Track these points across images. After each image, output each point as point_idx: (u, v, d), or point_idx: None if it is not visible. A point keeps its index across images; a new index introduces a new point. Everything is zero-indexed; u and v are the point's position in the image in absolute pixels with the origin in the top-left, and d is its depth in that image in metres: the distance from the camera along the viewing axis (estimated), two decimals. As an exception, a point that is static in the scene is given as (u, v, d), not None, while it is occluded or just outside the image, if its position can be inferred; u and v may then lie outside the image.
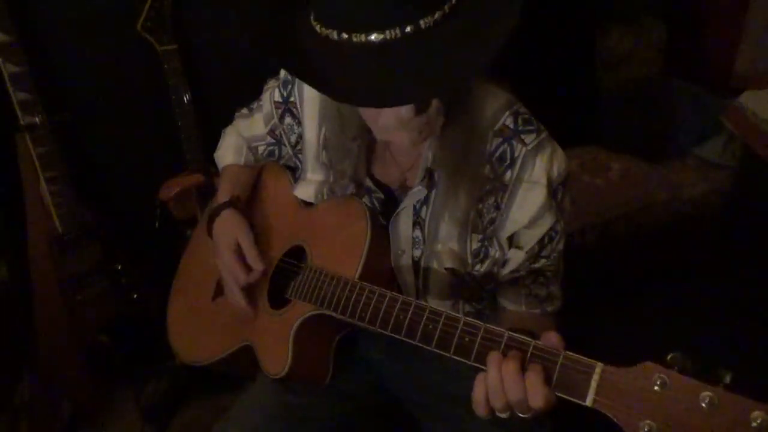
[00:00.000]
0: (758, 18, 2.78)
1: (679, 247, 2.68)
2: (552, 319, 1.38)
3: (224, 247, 1.44)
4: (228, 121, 1.65)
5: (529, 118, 1.27)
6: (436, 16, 1.01)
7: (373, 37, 1.00)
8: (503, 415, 1.02)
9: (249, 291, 1.44)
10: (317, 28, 1.06)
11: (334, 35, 1.03)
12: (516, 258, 1.32)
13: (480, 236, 1.31)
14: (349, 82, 1.05)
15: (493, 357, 1.01)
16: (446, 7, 1.02)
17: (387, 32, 0.99)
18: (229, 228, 1.46)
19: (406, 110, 1.09)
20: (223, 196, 1.54)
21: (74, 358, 2.27)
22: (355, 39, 1.01)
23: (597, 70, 2.84)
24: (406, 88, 1.02)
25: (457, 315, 1.08)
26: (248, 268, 1.42)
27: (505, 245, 1.31)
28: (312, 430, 1.48)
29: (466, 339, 1.05)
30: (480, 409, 1.03)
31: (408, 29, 1.00)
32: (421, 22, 1.00)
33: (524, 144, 1.24)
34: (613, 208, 2.63)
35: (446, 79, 1.03)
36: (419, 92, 1.05)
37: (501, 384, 0.99)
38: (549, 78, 2.62)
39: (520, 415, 1.01)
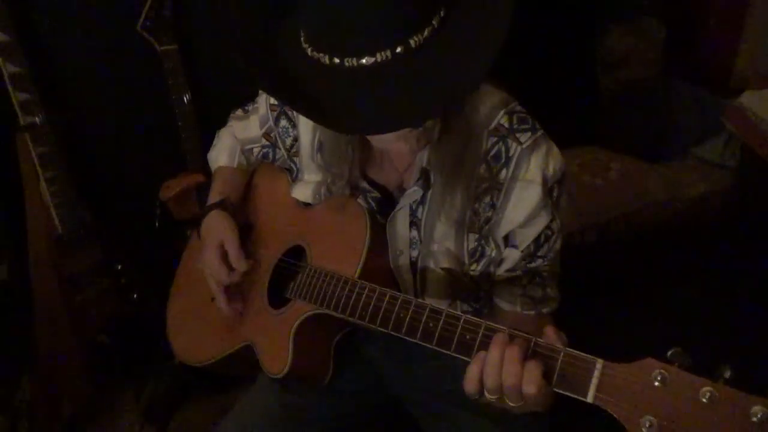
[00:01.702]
0: (758, 18, 2.77)
1: (679, 247, 2.68)
2: (547, 320, 1.37)
3: (209, 246, 1.45)
4: (227, 121, 1.65)
5: (524, 117, 1.26)
6: (426, 33, 1.00)
7: (364, 60, 0.99)
8: (491, 398, 1.02)
9: (244, 287, 1.45)
10: (308, 51, 1.05)
11: (326, 59, 1.02)
12: (512, 257, 1.31)
13: (476, 235, 1.31)
14: (344, 109, 1.04)
15: (500, 337, 1.01)
16: (434, 22, 1.01)
17: (378, 55, 0.99)
18: (215, 228, 1.47)
19: None
20: (213, 197, 1.54)
21: (74, 358, 2.27)
22: (347, 63, 1.00)
23: (597, 70, 2.84)
24: (402, 111, 1.01)
25: (457, 313, 1.08)
26: (231, 268, 1.43)
27: (501, 244, 1.31)
28: (312, 430, 1.48)
29: (467, 336, 1.05)
30: (470, 386, 1.03)
31: (399, 50, 0.99)
32: (411, 41, 0.99)
33: (519, 143, 1.23)
34: (613, 208, 2.63)
35: (441, 98, 1.02)
36: (415, 114, 1.04)
37: (500, 364, 0.99)
38: (549, 78, 2.62)
39: (509, 403, 1.01)
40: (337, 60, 1.01)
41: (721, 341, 2.15)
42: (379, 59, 0.99)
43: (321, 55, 1.03)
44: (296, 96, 1.07)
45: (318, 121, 1.09)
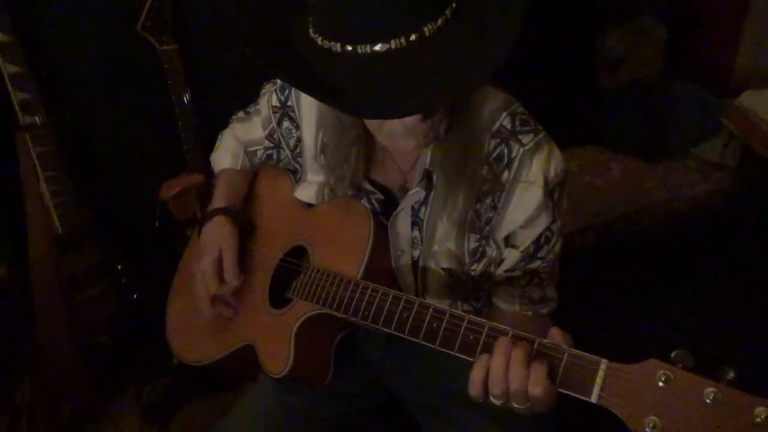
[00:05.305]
0: (758, 18, 2.78)
1: (679, 247, 2.68)
2: (546, 321, 1.37)
3: (207, 253, 1.45)
4: (228, 121, 1.65)
5: (526, 118, 1.27)
6: (439, 22, 1.01)
7: (378, 47, 0.99)
8: (497, 402, 1.02)
9: (245, 287, 1.45)
10: (318, 40, 1.05)
11: (337, 47, 1.02)
12: (511, 257, 1.32)
13: (477, 236, 1.31)
14: (356, 94, 1.04)
15: (503, 341, 1.01)
16: (448, 12, 1.02)
17: (392, 42, 0.99)
18: (217, 236, 1.46)
19: (412, 117, 1.08)
20: (218, 201, 1.54)
21: (74, 358, 2.27)
22: (360, 50, 1.00)
23: (597, 70, 2.85)
24: (415, 98, 1.01)
25: (461, 313, 1.07)
26: (223, 280, 1.43)
27: (502, 244, 1.31)
28: (312, 430, 1.48)
29: (471, 337, 1.05)
30: (474, 390, 1.03)
31: (412, 37, 0.99)
32: (425, 29, 1.00)
33: (521, 144, 1.24)
34: (613, 208, 2.63)
35: (455, 85, 1.02)
36: (428, 101, 1.04)
37: (505, 370, 0.98)
38: (549, 78, 2.62)
39: (515, 405, 1.01)
40: (349, 47, 1.01)
41: (721, 341, 2.15)
42: (393, 46, 0.99)
43: (332, 43, 1.03)
44: (308, 82, 1.07)
45: (334, 106, 1.09)
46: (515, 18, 1.02)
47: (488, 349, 1.03)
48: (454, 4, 1.03)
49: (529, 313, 1.35)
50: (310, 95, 1.09)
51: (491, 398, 1.02)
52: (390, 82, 1.01)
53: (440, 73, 1.01)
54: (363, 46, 1.00)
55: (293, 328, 1.32)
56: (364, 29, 1.00)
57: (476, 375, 1.02)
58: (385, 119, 1.13)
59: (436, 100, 1.06)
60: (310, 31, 1.08)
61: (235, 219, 1.50)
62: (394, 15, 0.99)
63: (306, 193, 1.46)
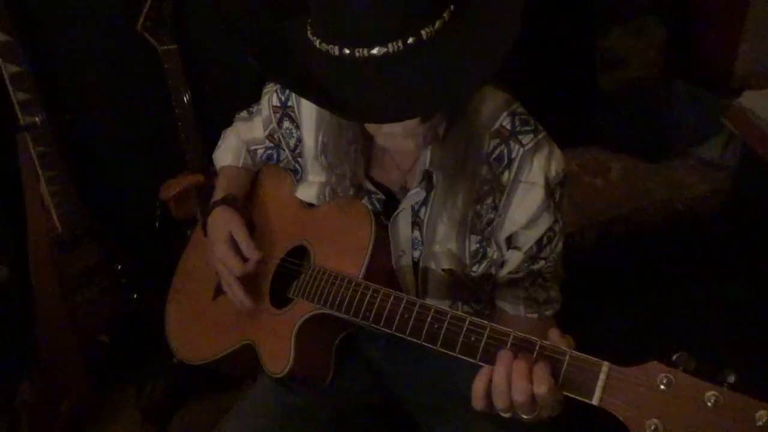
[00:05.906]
0: (758, 18, 2.78)
1: (679, 248, 2.68)
2: (550, 323, 1.37)
3: (218, 240, 1.44)
4: (228, 121, 1.65)
5: (526, 118, 1.27)
6: (437, 25, 1.01)
7: (375, 50, 0.99)
8: (505, 415, 1.02)
9: (249, 286, 1.44)
10: (316, 43, 1.05)
11: (335, 50, 1.02)
12: (514, 259, 1.32)
13: (478, 237, 1.31)
14: (354, 98, 1.04)
15: (504, 355, 1.00)
16: (446, 15, 1.02)
17: (389, 45, 0.99)
18: (222, 222, 1.46)
19: (411, 120, 1.09)
20: (218, 195, 1.54)
21: (74, 358, 2.27)
22: (357, 54, 1.00)
23: (597, 70, 2.85)
24: (412, 102, 1.01)
25: (462, 314, 1.07)
26: (244, 259, 1.41)
27: (503, 246, 1.31)
28: (312, 430, 1.48)
29: (472, 338, 1.05)
30: (478, 403, 1.03)
31: (410, 41, 0.99)
32: (423, 33, 1.00)
33: (521, 145, 1.24)
34: (613, 208, 2.63)
35: (453, 89, 1.02)
36: (426, 105, 1.04)
37: (507, 384, 0.98)
38: (549, 78, 2.62)
39: (523, 416, 1.00)
40: (347, 51, 1.01)
41: (720, 341, 2.15)
42: (390, 50, 0.99)
43: (330, 47, 1.03)
44: (306, 86, 1.07)
45: (331, 110, 1.09)
46: (513, 21, 1.02)
47: (489, 350, 1.02)
48: (452, 7, 1.03)
49: (534, 315, 1.36)
50: (308, 99, 1.09)
51: (499, 412, 1.02)
52: (387, 86, 1.01)
53: (438, 77, 1.01)
54: (360, 50, 1.00)
55: (294, 328, 1.32)
56: (362, 33, 1.00)
57: (477, 387, 1.02)
58: (383, 124, 1.14)
59: (434, 103, 1.06)
60: (309, 32, 1.08)
61: (236, 206, 1.50)
62: (391, 18, 0.98)
63: (307, 193, 1.46)
